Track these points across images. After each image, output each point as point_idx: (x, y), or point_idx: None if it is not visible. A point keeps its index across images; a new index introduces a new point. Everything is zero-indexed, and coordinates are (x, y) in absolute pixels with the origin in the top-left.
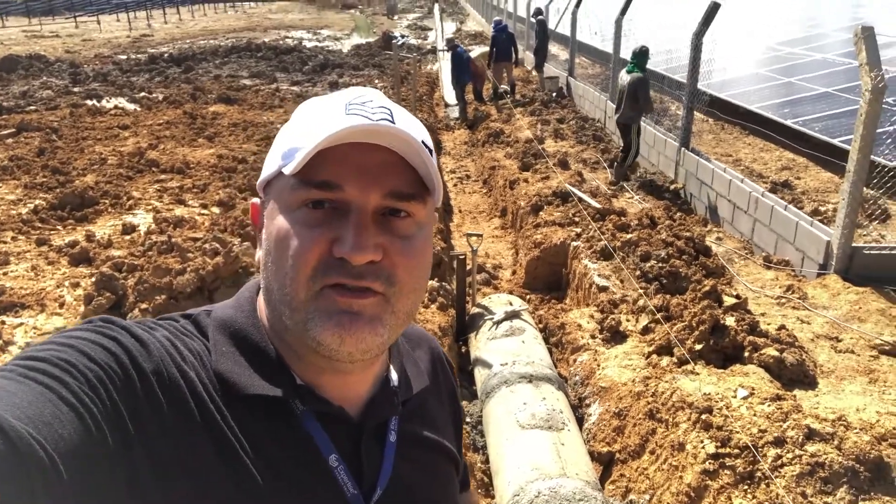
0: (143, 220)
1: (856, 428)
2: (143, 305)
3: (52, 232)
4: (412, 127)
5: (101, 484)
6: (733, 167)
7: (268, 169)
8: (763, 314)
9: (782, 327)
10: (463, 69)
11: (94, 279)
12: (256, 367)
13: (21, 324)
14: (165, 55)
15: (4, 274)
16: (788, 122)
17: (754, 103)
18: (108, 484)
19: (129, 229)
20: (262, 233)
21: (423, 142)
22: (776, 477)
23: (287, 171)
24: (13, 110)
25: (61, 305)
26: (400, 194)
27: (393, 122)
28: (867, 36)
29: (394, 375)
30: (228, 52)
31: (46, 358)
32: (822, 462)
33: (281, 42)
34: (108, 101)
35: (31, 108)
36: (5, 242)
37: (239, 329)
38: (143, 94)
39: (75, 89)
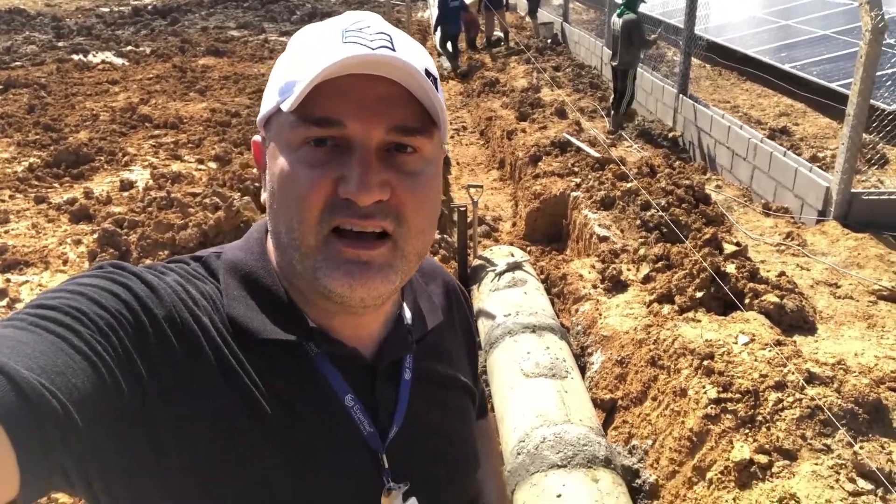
0: (140, 176)
1: (855, 371)
2: (147, 261)
3: (49, 189)
4: (414, 55)
5: (118, 430)
6: (731, 113)
7: (266, 105)
8: (763, 261)
9: (782, 274)
10: (450, 17)
11: (96, 236)
12: (268, 311)
13: (26, 281)
14: (149, 7)
15: (6, 232)
16: (786, 67)
17: (751, 48)
18: (125, 431)
19: (127, 186)
20: (265, 173)
21: (426, 70)
22: (777, 420)
23: (285, 107)
24: None
25: (65, 262)
26: (405, 128)
27: (393, 50)
28: None
29: (407, 313)
30: (214, 3)
31: (57, 306)
32: (822, 405)
33: None
34: (94, 56)
35: (17, 64)
36: (3, 201)
37: (250, 272)
38: (129, 47)
39: (60, 44)
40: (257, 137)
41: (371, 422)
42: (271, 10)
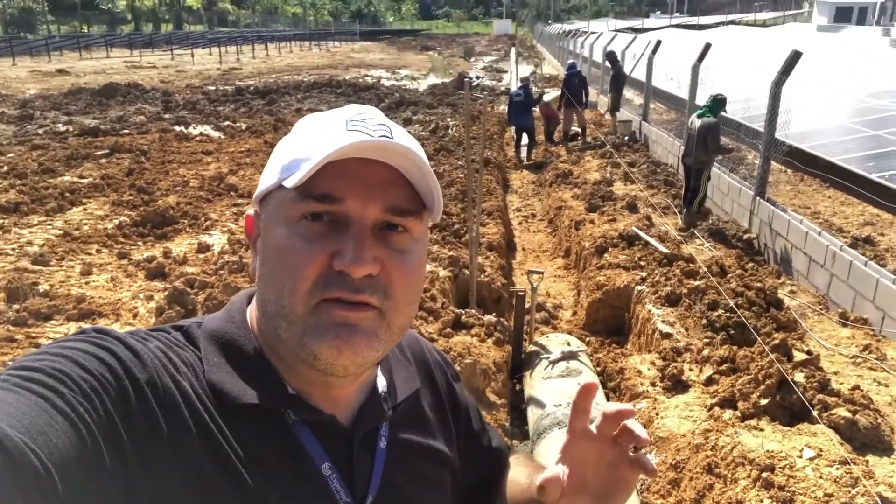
0: (217, 240)
1: None
2: None
3: (132, 247)
4: (411, 144)
5: (97, 494)
6: (812, 219)
7: (265, 182)
8: (836, 373)
9: (856, 387)
10: (514, 110)
11: (166, 293)
12: (248, 378)
13: None
14: (251, 88)
15: (87, 283)
16: (873, 176)
17: (836, 155)
18: (103, 494)
19: (203, 248)
20: (256, 244)
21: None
22: None
23: (289, 184)
24: (109, 133)
25: (134, 316)
26: (399, 209)
27: (392, 139)
28: None
29: (381, 382)
30: (310, 88)
31: (41, 368)
32: None
33: (360, 80)
34: (194, 128)
35: (125, 131)
36: (90, 254)
37: (230, 340)
38: (227, 122)
39: (166, 116)
40: (250, 212)
41: (348, 491)
42: (362, 96)
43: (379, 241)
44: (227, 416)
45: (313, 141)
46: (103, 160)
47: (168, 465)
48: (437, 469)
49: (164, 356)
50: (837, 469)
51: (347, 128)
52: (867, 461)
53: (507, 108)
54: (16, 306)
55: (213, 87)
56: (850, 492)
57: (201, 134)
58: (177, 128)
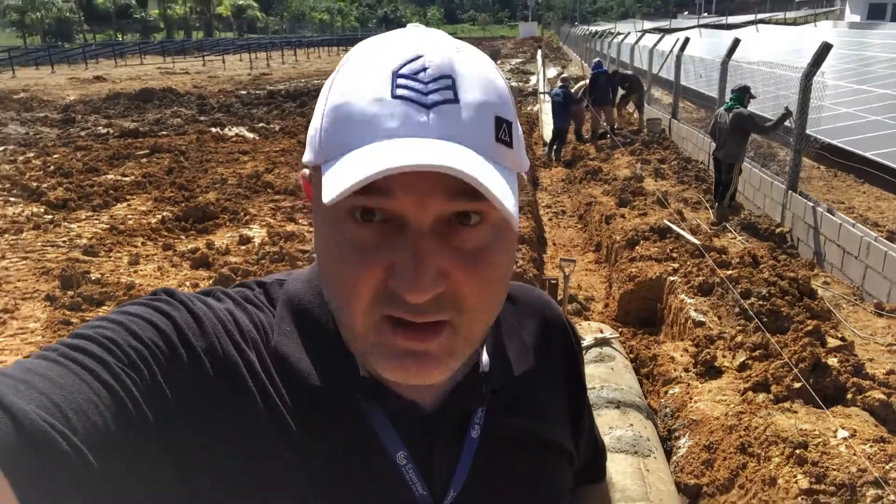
0: (257, 233)
1: None
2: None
3: (175, 240)
4: (482, 97)
5: (142, 465)
6: (845, 214)
7: (311, 144)
8: (871, 360)
9: (892, 372)
10: (557, 111)
11: (212, 280)
12: (317, 354)
13: None
14: (282, 91)
15: (135, 272)
16: None
17: (871, 150)
18: (149, 464)
19: (244, 240)
20: (313, 213)
21: (497, 117)
22: None
23: (325, 199)
24: (147, 134)
25: None
26: (467, 191)
27: (455, 101)
28: None
29: (485, 358)
30: None
31: (92, 336)
32: None
33: None
34: (230, 130)
35: (163, 133)
36: (136, 246)
37: (306, 309)
38: (261, 124)
39: (202, 118)
40: (306, 171)
41: (425, 483)
42: None
43: (444, 244)
44: (291, 391)
45: (353, 110)
46: (144, 160)
47: (226, 438)
48: (546, 461)
49: (231, 320)
50: (872, 447)
51: (394, 89)
52: None
53: (543, 106)
54: (70, 292)
55: (244, 92)
56: (884, 467)
57: (237, 135)
58: (213, 129)
